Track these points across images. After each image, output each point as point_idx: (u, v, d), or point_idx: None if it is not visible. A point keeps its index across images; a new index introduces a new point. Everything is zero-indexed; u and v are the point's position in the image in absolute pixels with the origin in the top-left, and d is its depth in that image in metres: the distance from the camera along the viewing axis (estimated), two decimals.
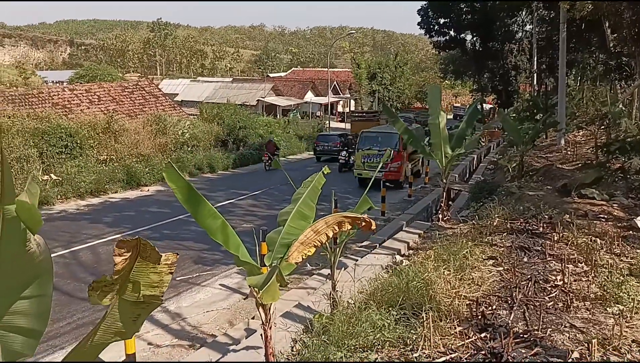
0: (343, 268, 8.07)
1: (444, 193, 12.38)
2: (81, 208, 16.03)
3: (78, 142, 19.07)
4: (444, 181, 12.42)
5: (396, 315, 5.68)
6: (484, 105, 44.33)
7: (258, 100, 46.17)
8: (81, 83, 31.99)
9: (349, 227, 5.28)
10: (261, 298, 4.19)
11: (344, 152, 24.60)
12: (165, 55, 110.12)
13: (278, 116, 42.31)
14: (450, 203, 13.97)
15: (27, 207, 2.48)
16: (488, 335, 5.09)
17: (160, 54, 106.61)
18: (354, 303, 6.35)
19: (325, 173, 6.64)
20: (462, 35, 38.35)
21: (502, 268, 7.08)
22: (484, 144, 33.82)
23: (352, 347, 5.21)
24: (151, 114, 25.46)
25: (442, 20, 37.74)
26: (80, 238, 12.38)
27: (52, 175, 17.30)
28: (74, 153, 18.86)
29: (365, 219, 5.19)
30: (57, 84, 38.17)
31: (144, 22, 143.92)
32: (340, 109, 56.52)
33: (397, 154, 18.82)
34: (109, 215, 14.87)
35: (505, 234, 8.71)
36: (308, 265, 10.07)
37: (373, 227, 5.23)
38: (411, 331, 5.24)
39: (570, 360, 4.43)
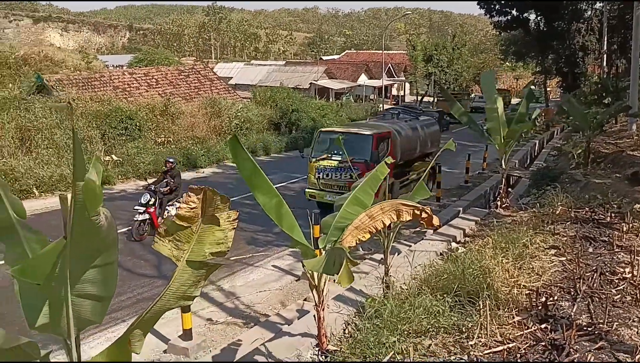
0: (396, 253, 8.03)
1: (503, 179, 12.02)
2: (140, 188, 16.63)
3: (137, 124, 19.78)
4: (503, 166, 12.06)
5: (451, 302, 5.61)
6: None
7: (311, 83, 46.23)
8: (140, 67, 33.07)
9: (408, 218, 5.23)
10: (339, 281, 4.24)
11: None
12: (219, 39, 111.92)
13: (331, 99, 42.24)
14: (509, 189, 13.55)
15: (92, 186, 2.65)
16: (549, 327, 4.95)
17: (214, 38, 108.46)
18: (407, 289, 6.32)
19: (388, 162, 6.62)
20: (525, 14, 36.72)
21: (564, 258, 6.84)
22: (542, 127, 32.62)
23: (405, 332, 5.19)
24: (206, 97, 26.02)
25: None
26: None
27: (113, 156, 18.06)
28: (134, 134, 19.59)
29: (426, 212, 5.12)
30: (117, 68, 39.63)
31: (199, 7, 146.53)
32: (394, 92, 55.76)
33: (368, 169, 11.38)
34: None
35: (568, 223, 8.39)
36: (360, 249, 10.08)
37: (436, 223, 5.15)
38: (467, 319, 5.17)
39: (639, 356, 4.24)
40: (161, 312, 3.29)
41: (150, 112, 21.20)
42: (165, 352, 6.53)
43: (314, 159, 12.93)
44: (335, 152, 12.62)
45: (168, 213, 11.44)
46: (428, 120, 16.61)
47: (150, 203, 11.28)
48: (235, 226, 3.27)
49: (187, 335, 6.55)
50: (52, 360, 3.06)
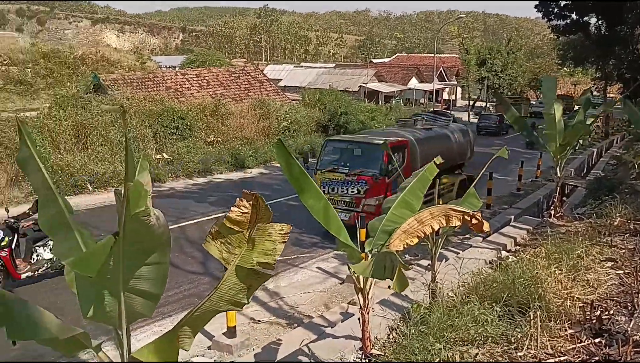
0: (444, 260, 7.93)
1: (558, 188, 11.66)
2: (189, 186, 17.15)
3: (188, 124, 20.35)
4: (558, 175, 11.70)
5: (500, 312, 5.51)
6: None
7: (360, 86, 46.20)
8: (191, 68, 33.98)
9: (458, 224, 5.17)
10: (393, 287, 4.24)
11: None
12: (270, 41, 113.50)
13: (380, 103, 42.09)
14: (564, 198, 13.13)
15: (139, 188, 2.81)
16: (603, 341, 4.78)
17: (265, 40, 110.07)
18: (454, 296, 6.24)
19: (438, 163, 6.56)
20: (586, 18, 35.44)
21: (622, 272, 6.58)
22: (601, 135, 31.37)
23: (452, 340, 5.13)
24: (256, 98, 26.45)
25: (563, 2, 35.13)
26: (187, 214, 13.28)
27: (164, 154, 18.65)
28: (184, 134, 20.16)
29: (476, 217, 5.05)
30: (170, 69, 40.86)
31: (251, 9, 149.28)
32: (445, 96, 54.98)
33: (377, 184, 11.18)
34: (214, 195, 15.77)
35: (627, 235, 8.06)
36: (407, 255, 10.01)
37: (486, 229, 5.06)
38: (516, 329, 5.06)
39: None
40: (210, 313, 3.36)
41: (201, 112, 21.77)
42: (209, 348, 6.69)
43: (319, 171, 11.67)
44: (343, 163, 11.65)
45: (38, 256, 8.65)
46: (459, 128, 15.26)
47: (3, 243, 8.20)
48: (285, 240, 3.27)
49: (231, 332, 6.69)
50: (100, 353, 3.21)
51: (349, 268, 5.76)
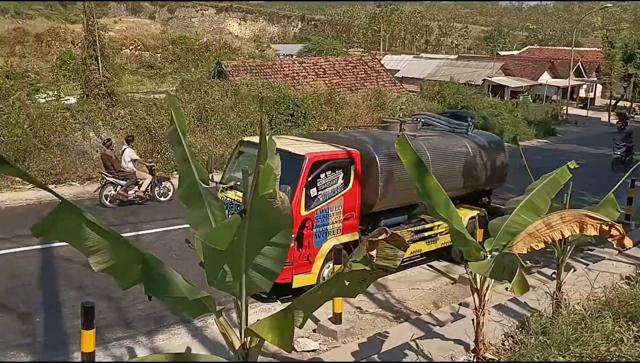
0: (572, 270, 7.47)
1: None
2: None
3: (303, 112, 20.94)
4: None
5: (637, 332, 5.09)
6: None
7: (484, 79, 44.44)
8: (308, 56, 34.87)
9: (594, 233, 4.86)
10: (511, 289, 4.14)
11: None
12: (389, 30, 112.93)
13: (506, 98, 40.21)
14: None
15: (268, 172, 3.11)
16: None
17: (384, 30, 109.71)
18: (583, 309, 5.87)
19: (572, 167, 6.22)
20: None
21: None
22: None
23: (577, 355, 4.84)
24: (371, 88, 26.54)
25: None
26: None
27: None
28: (299, 121, 20.79)
29: (616, 228, 4.70)
30: (287, 57, 42.22)
31: None
32: (582, 93, 51.14)
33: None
34: None
35: None
36: (528, 262, 9.54)
37: (629, 244, 4.71)
38: None
39: None
40: (323, 298, 3.49)
41: (316, 100, 22.28)
42: (314, 331, 6.91)
43: (221, 187, 8.55)
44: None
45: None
46: (488, 139, 10.96)
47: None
48: (407, 247, 3.29)
49: (337, 318, 6.85)
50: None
51: (466, 267, 5.64)
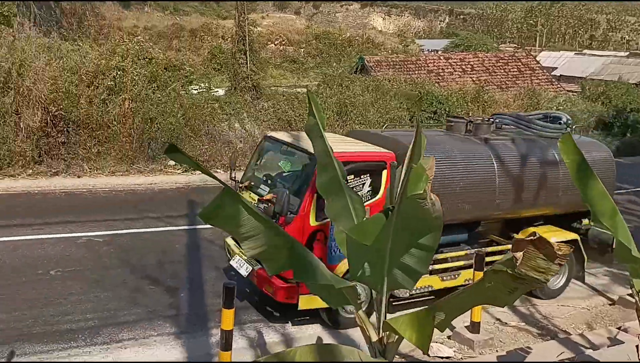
0: None
1: None
2: None
3: (447, 109, 20.52)
4: None
5: None
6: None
7: None
8: (455, 52, 34.07)
9: None
10: None
11: None
12: (547, 25, 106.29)
13: None
14: None
15: (420, 172, 3.12)
16: None
17: (542, 24, 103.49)
18: None
19: None
20: None
21: None
22: None
23: None
24: (524, 87, 25.28)
25: None
26: None
27: None
28: (441, 119, 20.41)
29: None
30: (432, 53, 41.63)
31: None
32: None
33: (286, 224, 6.66)
34: None
35: None
36: None
37: None
38: None
39: None
40: (468, 304, 3.46)
41: (461, 98, 21.72)
42: (449, 337, 6.78)
43: (252, 185, 7.76)
44: (267, 178, 7.78)
45: None
46: (591, 147, 8.81)
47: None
48: (562, 263, 3.06)
49: (474, 327, 6.66)
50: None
51: (631, 287, 5.16)
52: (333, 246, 6.75)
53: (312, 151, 6.16)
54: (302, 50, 40.43)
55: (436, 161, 6.70)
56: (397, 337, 3.38)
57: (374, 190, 7.05)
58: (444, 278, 7.54)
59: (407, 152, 7.13)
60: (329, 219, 6.47)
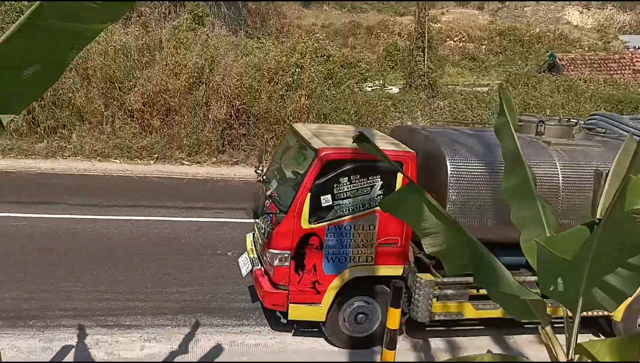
0: None
1: None
2: None
3: None
4: None
5: None
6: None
7: None
8: None
9: None
10: None
11: None
12: None
13: None
14: None
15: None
16: None
17: None
18: None
19: None
20: None
21: None
22: None
23: None
24: None
25: None
26: None
27: None
28: None
29: None
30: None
31: None
32: None
33: (282, 226, 6.27)
34: None
35: None
36: None
37: None
38: None
39: None
40: None
41: None
42: None
43: (267, 182, 7.23)
44: (277, 174, 7.33)
45: None
46: None
47: None
48: None
49: None
50: None
51: None
52: (329, 254, 6.30)
53: (315, 145, 6.41)
54: (484, 47, 39.07)
55: (459, 160, 6.45)
56: (590, 361, 3.15)
57: (387, 194, 6.27)
58: (479, 306, 6.59)
59: (437, 149, 6.60)
60: (324, 223, 6.21)
